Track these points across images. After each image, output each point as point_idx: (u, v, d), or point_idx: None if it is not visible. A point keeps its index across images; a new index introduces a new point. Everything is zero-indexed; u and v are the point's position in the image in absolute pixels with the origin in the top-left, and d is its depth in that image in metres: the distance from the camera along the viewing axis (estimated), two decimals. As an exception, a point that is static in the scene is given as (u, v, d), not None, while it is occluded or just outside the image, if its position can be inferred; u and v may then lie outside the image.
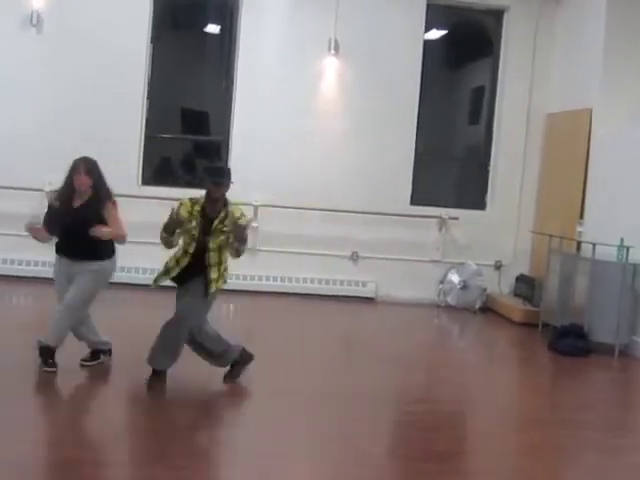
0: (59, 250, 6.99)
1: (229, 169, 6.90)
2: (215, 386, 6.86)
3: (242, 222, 6.60)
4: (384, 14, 11.69)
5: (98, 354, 7.14)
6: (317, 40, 11.53)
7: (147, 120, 11.58)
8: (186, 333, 6.60)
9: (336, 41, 11.52)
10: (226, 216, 6.64)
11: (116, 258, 7.07)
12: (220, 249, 6.67)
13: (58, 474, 4.92)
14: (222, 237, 6.62)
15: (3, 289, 10.58)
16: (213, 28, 12.58)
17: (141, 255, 10.02)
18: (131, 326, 8.56)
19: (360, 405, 6.74)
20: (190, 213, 6.63)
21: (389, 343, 9.43)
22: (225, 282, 6.81)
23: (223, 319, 10.46)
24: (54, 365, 6.70)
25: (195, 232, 6.62)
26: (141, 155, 11.57)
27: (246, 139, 11.60)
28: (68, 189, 7.01)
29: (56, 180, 10.87)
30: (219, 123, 12.00)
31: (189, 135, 12.52)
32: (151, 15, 11.50)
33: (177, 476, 4.95)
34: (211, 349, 6.80)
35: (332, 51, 11.56)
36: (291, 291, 11.55)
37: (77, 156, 11.04)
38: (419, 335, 10.45)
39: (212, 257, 6.64)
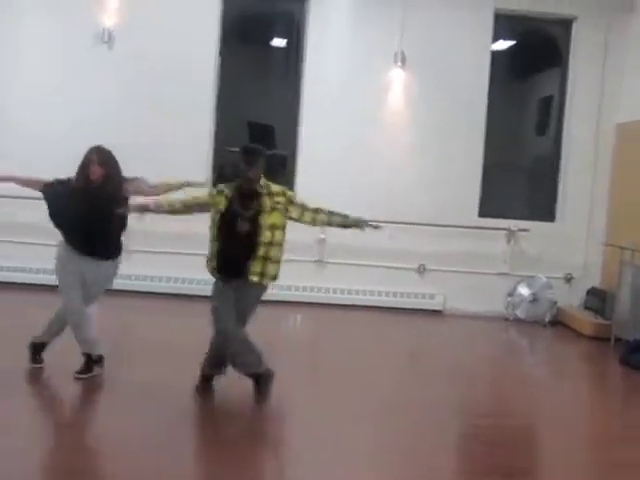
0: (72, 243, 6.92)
1: (263, 150, 6.85)
2: (277, 396, 6.85)
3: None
4: (451, 25, 11.63)
5: (91, 366, 7.06)
6: (383, 52, 11.53)
7: (215, 133, 11.73)
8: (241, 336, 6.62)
9: (402, 53, 11.49)
10: (270, 194, 6.64)
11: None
12: (270, 244, 6.57)
13: None
14: (274, 220, 6.57)
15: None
16: (279, 42, 12.68)
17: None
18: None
19: (425, 418, 6.68)
20: (221, 198, 6.69)
21: (456, 356, 9.34)
22: (272, 279, 6.67)
23: (289, 331, 10.54)
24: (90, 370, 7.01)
25: (224, 217, 6.64)
26: (210, 168, 11.70)
27: (312, 152, 11.65)
28: (83, 178, 6.96)
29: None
30: (285, 136, 12.07)
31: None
32: (219, 29, 11.65)
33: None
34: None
35: (398, 63, 11.54)
36: (358, 303, 11.53)
37: (147, 171, 11.32)
38: (487, 348, 10.32)
39: (262, 250, 6.56)
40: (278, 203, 6.61)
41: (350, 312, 11.28)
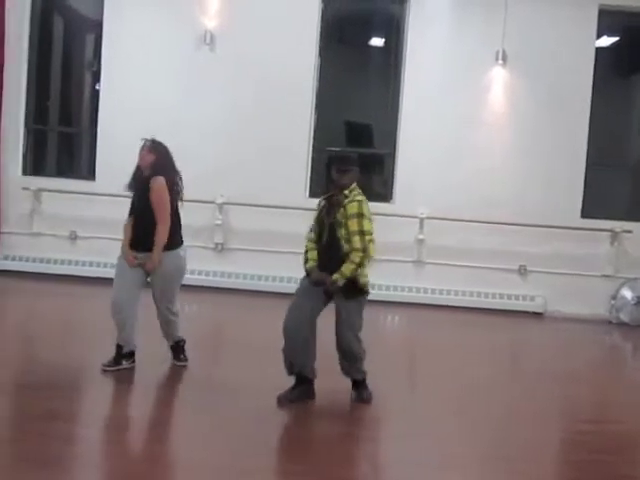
0: None
1: (355, 157, 6.79)
2: (378, 395, 6.83)
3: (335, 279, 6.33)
4: (553, 22, 11.42)
5: (120, 359, 6.95)
6: (484, 51, 11.40)
7: (314, 133, 11.79)
8: (357, 344, 6.54)
9: (504, 51, 11.33)
10: (344, 207, 6.42)
11: (182, 250, 6.95)
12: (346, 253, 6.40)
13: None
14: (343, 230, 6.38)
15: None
16: (378, 41, 12.66)
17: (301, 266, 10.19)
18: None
19: (527, 424, 6.55)
20: (319, 208, 6.61)
21: (558, 360, 9.17)
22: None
23: (387, 331, 10.51)
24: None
25: (319, 222, 6.54)
26: (309, 168, 11.77)
27: (412, 152, 11.60)
28: (136, 169, 7.00)
29: (227, 193, 11.45)
30: (384, 136, 12.05)
31: (354, 148, 12.62)
32: (318, 30, 11.70)
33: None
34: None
35: (500, 61, 11.38)
36: (456, 304, 11.43)
37: (248, 169, 11.48)
38: (590, 352, 10.10)
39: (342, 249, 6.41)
40: (344, 216, 6.40)
41: (449, 313, 11.18)
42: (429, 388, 7.39)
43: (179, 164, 10.56)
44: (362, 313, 6.57)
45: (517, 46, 11.34)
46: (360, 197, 6.46)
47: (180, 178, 7.09)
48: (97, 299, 10.24)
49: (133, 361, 7.00)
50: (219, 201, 11.53)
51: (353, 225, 6.35)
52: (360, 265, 6.35)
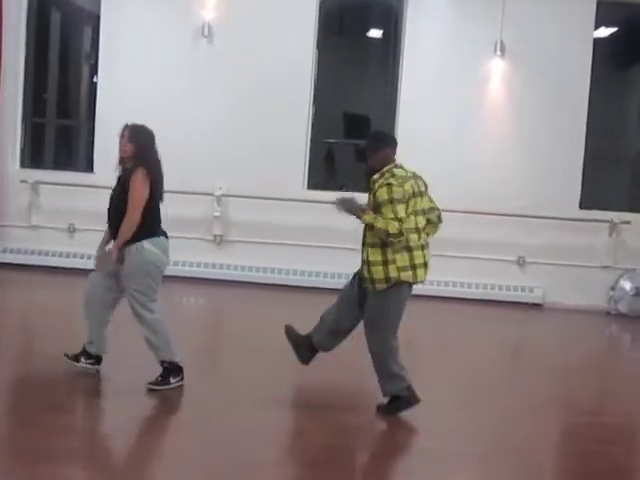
0: None
1: (377, 134, 6.51)
2: (377, 391, 6.83)
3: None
4: (552, 13, 11.39)
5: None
6: (482, 42, 11.37)
7: (312, 125, 11.78)
8: (380, 354, 6.10)
9: (502, 42, 11.30)
10: (371, 189, 5.95)
11: (160, 241, 6.35)
12: (369, 245, 5.94)
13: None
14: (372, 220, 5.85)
15: (173, 290, 11.00)
16: (376, 33, 12.64)
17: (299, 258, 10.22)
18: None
19: (530, 415, 6.56)
20: None
21: (557, 352, 9.18)
22: (383, 282, 5.93)
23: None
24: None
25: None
26: (307, 160, 11.76)
27: (410, 143, 11.53)
28: (119, 161, 6.48)
29: (226, 185, 11.45)
30: (382, 127, 12.01)
31: (352, 139, 12.63)
32: (316, 21, 11.67)
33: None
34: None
35: (498, 53, 11.36)
36: (455, 296, 11.42)
37: (246, 161, 11.48)
38: (589, 343, 10.11)
39: (365, 252, 5.98)
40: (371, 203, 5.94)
41: (448, 304, 11.18)
42: (429, 381, 7.37)
43: (178, 156, 10.59)
44: (390, 311, 6.06)
45: (515, 37, 11.31)
46: (391, 180, 5.87)
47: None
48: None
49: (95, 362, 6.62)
50: (217, 193, 11.52)
51: (388, 212, 5.80)
52: (390, 235, 5.75)
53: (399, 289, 5.98)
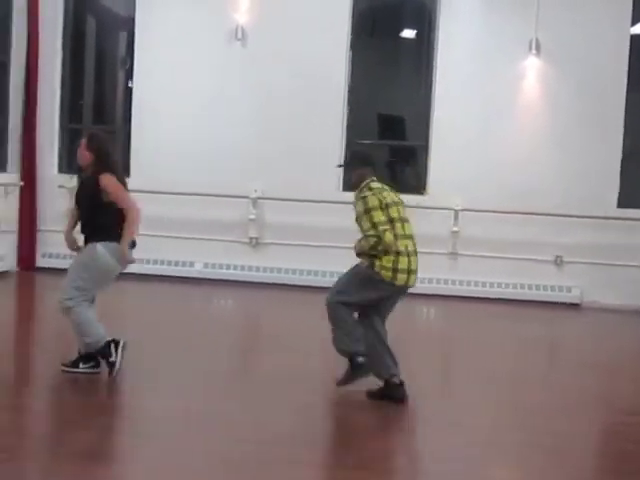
0: None
1: (355, 154, 7.03)
2: (416, 388, 6.81)
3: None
4: (587, 9, 11.28)
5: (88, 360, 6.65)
6: (517, 40, 11.30)
7: (347, 127, 11.78)
8: (336, 311, 6.38)
9: (537, 40, 11.23)
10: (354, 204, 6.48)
11: (113, 246, 6.47)
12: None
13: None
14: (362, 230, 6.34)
15: (209, 292, 11.08)
16: (409, 33, 12.62)
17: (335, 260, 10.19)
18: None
19: (568, 416, 6.49)
20: None
21: (595, 351, 9.08)
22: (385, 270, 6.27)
23: (422, 324, 10.50)
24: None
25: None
26: (341, 161, 11.72)
27: (445, 143, 11.54)
28: (78, 164, 6.82)
29: (261, 188, 11.49)
30: (417, 128, 12.01)
31: (386, 140, 12.62)
32: (350, 23, 11.68)
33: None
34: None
35: (533, 51, 11.29)
36: (491, 296, 11.35)
37: (281, 164, 11.51)
38: (626, 343, 9.96)
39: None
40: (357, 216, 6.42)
41: (484, 305, 11.11)
42: (467, 380, 7.36)
43: (213, 159, 10.68)
44: (357, 286, 6.37)
45: (551, 34, 11.22)
46: (366, 192, 6.37)
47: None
48: (134, 295, 10.37)
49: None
50: (253, 196, 11.56)
51: (365, 222, 6.28)
52: (373, 247, 6.20)
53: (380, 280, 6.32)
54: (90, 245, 6.54)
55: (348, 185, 6.71)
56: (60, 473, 4.77)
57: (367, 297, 6.41)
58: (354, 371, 6.41)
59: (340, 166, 7.31)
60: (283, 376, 6.91)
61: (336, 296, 6.40)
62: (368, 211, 6.27)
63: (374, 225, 6.22)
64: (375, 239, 6.20)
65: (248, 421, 5.83)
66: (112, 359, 6.50)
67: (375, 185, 6.47)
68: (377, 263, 6.27)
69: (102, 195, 6.49)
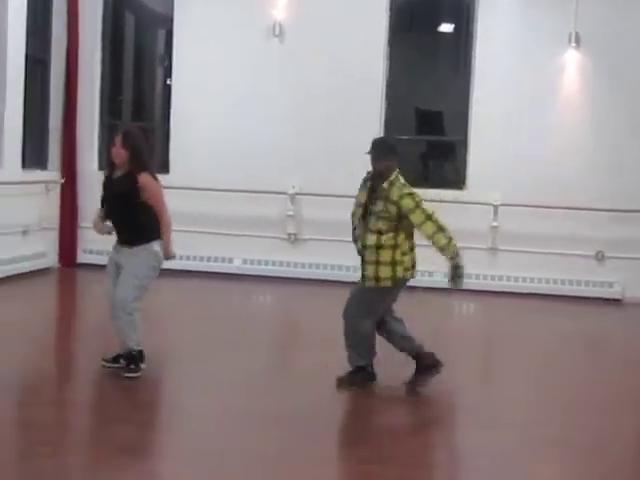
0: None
1: (384, 142, 6.87)
2: (452, 384, 6.78)
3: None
4: (627, 2, 11.14)
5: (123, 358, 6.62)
6: (556, 34, 11.19)
7: (385, 121, 11.74)
8: (351, 327, 6.56)
9: (577, 34, 11.10)
10: (386, 198, 6.31)
11: (157, 244, 6.55)
12: (380, 247, 6.33)
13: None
14: (380, 225, 6.30)
15: (248, 288, 11.12)
16: (447, 27, 12.55)
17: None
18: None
19: (606, 413, 6.43)
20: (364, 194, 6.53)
21: (637, 347, 8.98)
22: (391, 279, 6.34)
23: (462, 319, 10.46)
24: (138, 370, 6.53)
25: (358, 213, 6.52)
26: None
27: (484, 138, 11.46)
28: (109, 162, 6.77)
29: (299, 184, 11.51)
30: (455, 123, 11.94)
31: (424, 136, 12.56)
32: (388, 18, 11.64)
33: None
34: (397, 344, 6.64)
35: (573, 44, 11.16)
36: (531, 292, 11.25)
37: (319, 159, 11.49)
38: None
39: (367, 253, 6.38)
40: (387, 212, 6.31)
41: (524, 300, 11.03)
42: (506, 376, 7.32)
43: (252, 156, 10.69)
44: (371, 302, 6.48)
45: (590, 27, 11.08)
46: (407, 189, 6.35)
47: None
48: (172, 291, 10.42)
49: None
50: (291, 192, 11.58)
51: (419, 216, 6.27)
52: (443, 230, 6.26)
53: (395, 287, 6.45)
54: (146, 245, 6.49)
55: (372, 174, 6.48)
56: (101, 468, 4.84)
57: (384, 307, 6.52)
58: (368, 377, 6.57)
59: (368, 153, 6.79)
60: (322, 373, 6.91)
61: (357, 319, 6.51)
62: (418, 205, 6.27)
63: (430, 217, 6.26)
64: (446, 237, 6.26)
65: (285, 418, 5.85)
66: (134, 367, 6.49)
67: (403, 180, 6.44)
68: (399, 269, 6.30)
69: (140, 193, 6.48)
